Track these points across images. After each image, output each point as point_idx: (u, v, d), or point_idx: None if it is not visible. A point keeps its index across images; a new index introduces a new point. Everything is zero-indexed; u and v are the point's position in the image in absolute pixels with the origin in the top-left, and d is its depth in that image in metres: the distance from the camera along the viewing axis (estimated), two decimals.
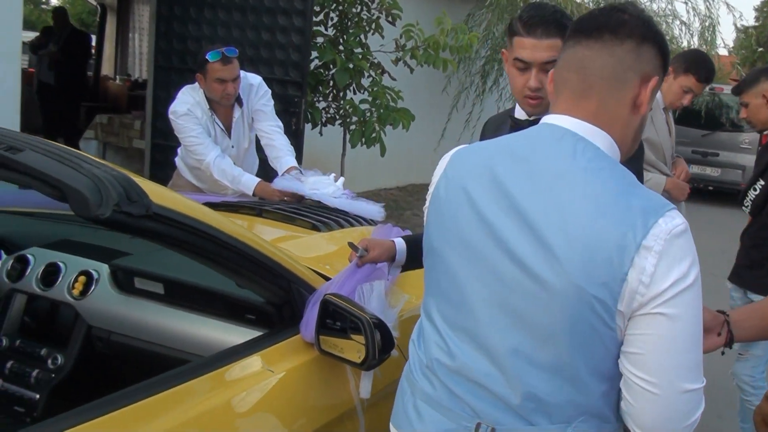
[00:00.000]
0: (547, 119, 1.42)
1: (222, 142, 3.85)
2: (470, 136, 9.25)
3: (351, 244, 2.06)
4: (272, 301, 1.91)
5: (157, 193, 1.55)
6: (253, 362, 1.70)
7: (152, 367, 2.14)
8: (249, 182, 3.69)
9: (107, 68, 11.74)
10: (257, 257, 1.76)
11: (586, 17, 1.45)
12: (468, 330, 1.39)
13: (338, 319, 1.75)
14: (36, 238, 2.48)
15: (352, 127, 6.57)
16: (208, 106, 3.78)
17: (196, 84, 3.77)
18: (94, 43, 12.56)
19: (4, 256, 2.41)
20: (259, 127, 3.93)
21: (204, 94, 3.75)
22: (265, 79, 4.09)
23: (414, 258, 2.07)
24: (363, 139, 6.44)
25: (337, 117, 6.66)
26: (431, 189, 1.53)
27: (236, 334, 1.99)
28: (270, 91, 4.01)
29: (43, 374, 2.18)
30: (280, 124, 3.99)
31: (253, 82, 3.92)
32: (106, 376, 2.24)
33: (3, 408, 2.21)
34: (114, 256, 2.31)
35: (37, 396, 2.16)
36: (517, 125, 2.10)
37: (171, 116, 3.80)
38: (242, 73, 3.83)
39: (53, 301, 2.26)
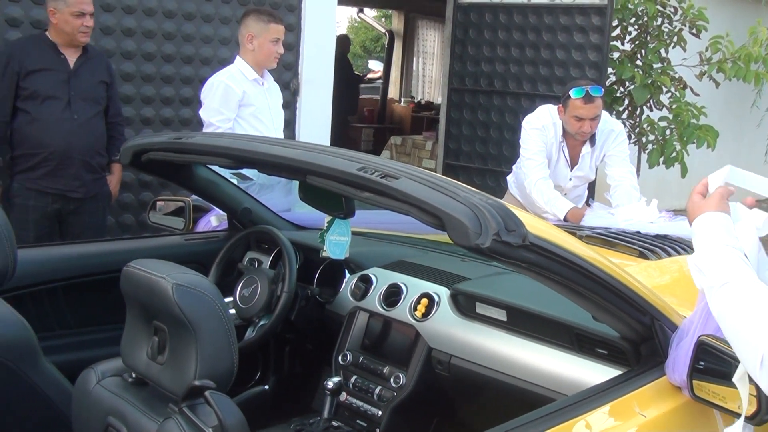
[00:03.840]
0: None
1: (561, 170, 3.90)
2: None
3: None
4: (630, 337, 1.80)
5: (530, 223, 1.52)
6: (625, 405, 1.60)
7: (492, 394, 2.12)
8: (563, 206, 3.68)
9: (393, 91, 12.33)
10: (623, 291, 1.66)
11: None
12: None
13: (714, 362, 1.59)
14: (375, 258, 2.59)
15: (649, 146, 6.26)
16: (561, 133, 3.83)
17: (557, 108, 3.81)
18: (380, 68, 13.29)
19: (348, 275, 2.54)
20: (610, 172, 3.94)
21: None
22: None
23: None
24: (662, 159, 6.10)
25: (632, 135, 6.37)
26: None
27: (585, 369, 1.90)
28: (627, 139, 4.09)
29: (385, 391, 2.25)
30: (633, 169, 4.03)
31: (614, 128, 3.95)
32: (445, 399, 2.26)
33: (347, 421, 2.32)
34: (451, 279, 2.34)
35: (380, 412, 2.24)
36: None
37: (524, 124, 3.91)
38: (605, 115, 3.87)
39: (395, 321, 2.33)
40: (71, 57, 3.73)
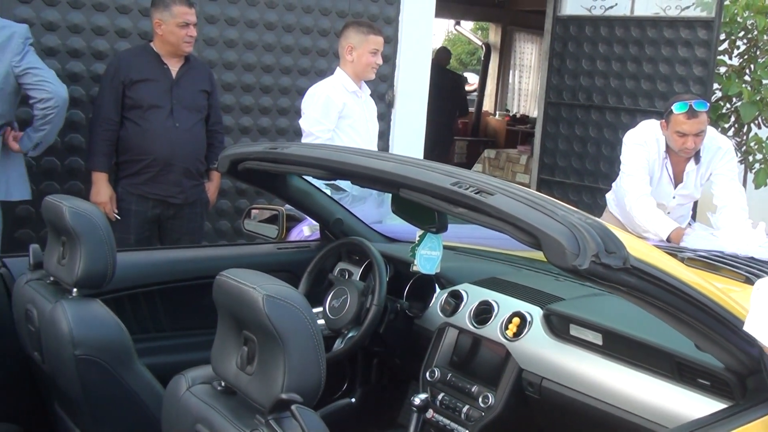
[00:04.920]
0: None
1: (664, 188, 3.78)
2: None
3: None
4: (735, 369, 1.69)
5: (631, 244, 1.45)
6: None
7: (585, 421, 2.04)
8: (666, 226, 3.53)
9: (488, 104, 12.24)
10: (729, 319, 1.57)
11: None
12: None
13: None
14: (466, 274, 2.55)
15: (756, 165, 5.97)
16: (664, 149, 3.72)
17: (659, 123, 3.71)
18: (476, 81, 13.22)
19: (438, 290, 2.50)
20: (717, 192, 3.78)
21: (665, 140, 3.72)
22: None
23: None
24: None
25: (738, 154, 6.09)
26: None
27: (685, 400, 1.81)
28: (735, 157, 3.94)
29: (473, 411, 2.20)
30: (742, 189, 3.90)
31: (721, 145, 3.80)
32: (535, 422, 2.19)
33: None
34: (544, 298, 2.27)
35: None
36: None
37: (625, 139, 3.83)
38: (712, 132, 3.75)
39: (485, 339, 2.28)
40: (174, 67, 3.84)
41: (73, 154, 4.33)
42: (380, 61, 3.96)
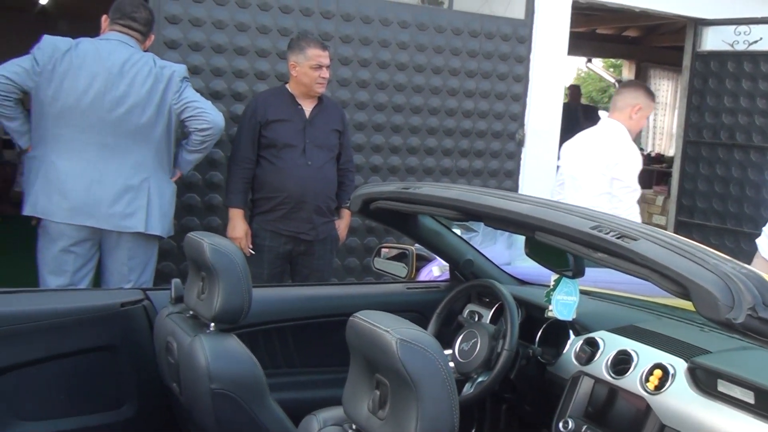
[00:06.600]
0: None
1: None
2: None
3: None
4: None
5: None
6: None
7: None
8: None
9: None
10: None
11: None
12: None
13: None
14: (602, 320, 2.44)
15: None
16: None
17: None
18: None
19: (572, 336, 2.41)
20: None
21: None
22: None
23: None
24: None
25: None
26: None
27: None
28: None
29: None
30: None
31: None
32: None
33: None
34: (688, 350, 2.13)
35: None
36: None
37: None
38: None
39: (623, 391, 2.16)
40: (307, 107, 3.95)
41: (213, 191, 4.53)
42: None
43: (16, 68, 3.32)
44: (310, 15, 4.72)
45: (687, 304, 1.38)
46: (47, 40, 3.40)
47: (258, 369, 2.02)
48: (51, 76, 3.33)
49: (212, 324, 2.08)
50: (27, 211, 3.45)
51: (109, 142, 3.42)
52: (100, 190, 3.40)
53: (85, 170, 3.39)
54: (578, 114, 9.47)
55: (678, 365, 2.07)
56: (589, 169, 3.98)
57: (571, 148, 4.22)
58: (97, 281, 3.63)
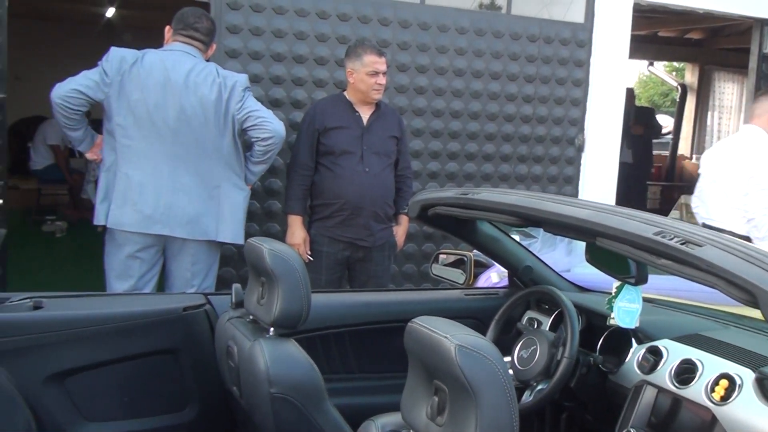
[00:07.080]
0: None
1: None
2: None
3: None
4: None
5: None
6: None
7: None
8: None
9: (684, 147, 11.64)
10: None
11: None
12: None
13: None
14: (666, 329, 2.38)
15: None
16: None
17: None
18: (669, 123, 12.63)
19: (635, 345, 2.36)
20: None
21: None
22: None
23: None
24: None
25: None
26: None
27: None
28: None
29: None
30: None
31: None
32: None
33: None
34: (756, 360, 2.07)
35: None
36: None
37: None
38: None
39: (687, 401, 2.11)
40: (365, 114, 3.96)
41: (272, 197, 4.58)
42: None
43: (87, 81, 3.42)
44: (368, 22, 4.75)
45: (754, 312, 1.34)
46: (115, 52, 3.48)
47: (316, 374, 2.03)
48: (120, 88, 3.42)
49: (272, 329, 2.10)
50: (99, 221, 3.54)
51: (179, 152, 3.49)
52: (172, 199, 3.48)
53: (157, 181, 3.47)
54: (629, 117, 9.30)
55: (745, 375, 2.01)
56: (730, 172, 4.13)
57: (711, 155, 4.44)
58: (161, 285, 3.71)
